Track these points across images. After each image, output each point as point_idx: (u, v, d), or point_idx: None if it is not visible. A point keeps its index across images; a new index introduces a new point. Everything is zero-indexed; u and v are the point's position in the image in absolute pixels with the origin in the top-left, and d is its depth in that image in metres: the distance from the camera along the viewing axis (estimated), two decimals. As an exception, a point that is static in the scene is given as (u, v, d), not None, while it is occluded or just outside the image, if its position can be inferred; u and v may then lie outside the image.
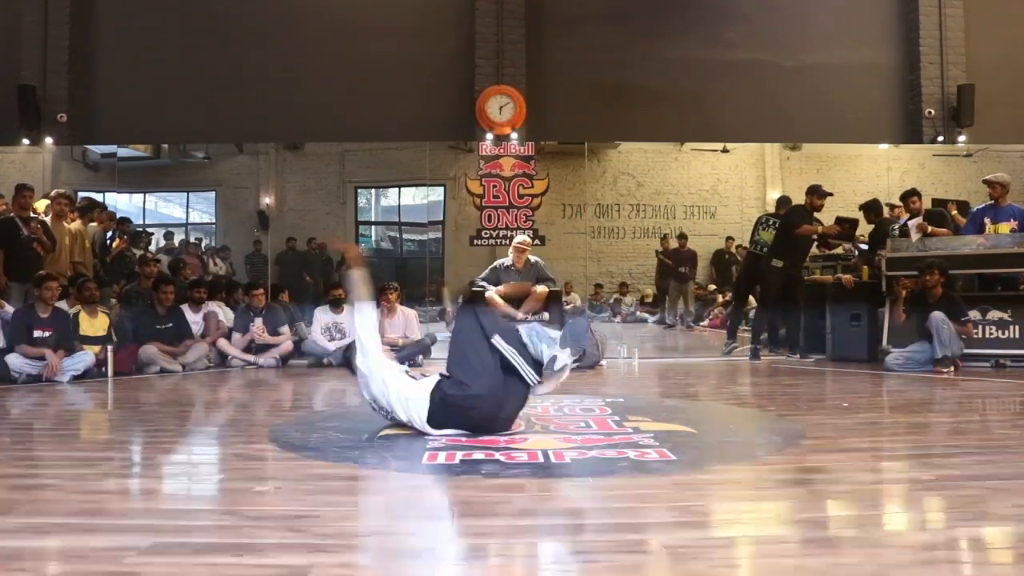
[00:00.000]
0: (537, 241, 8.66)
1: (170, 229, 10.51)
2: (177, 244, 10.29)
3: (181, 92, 9.34)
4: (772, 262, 7.19)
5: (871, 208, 7.59)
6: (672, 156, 10.98)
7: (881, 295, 6.83)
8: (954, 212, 7.76)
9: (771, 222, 7.62)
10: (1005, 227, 6.59)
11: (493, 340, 3.12)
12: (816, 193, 7.23)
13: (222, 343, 7.03)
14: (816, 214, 7.30)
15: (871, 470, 2.73)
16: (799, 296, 7.28)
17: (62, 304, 6.28)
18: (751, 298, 8.06)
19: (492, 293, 6.55)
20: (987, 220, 6.70)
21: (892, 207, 7.85)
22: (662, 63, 9.59)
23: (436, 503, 2.36)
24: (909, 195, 7.23)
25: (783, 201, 8.08)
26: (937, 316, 5.84)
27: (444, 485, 2.53)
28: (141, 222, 9.82)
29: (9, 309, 6.11)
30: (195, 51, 9.42)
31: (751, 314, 8.10)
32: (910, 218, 7.15)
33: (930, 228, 6.87)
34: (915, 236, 6.83)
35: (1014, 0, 9.77)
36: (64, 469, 2.83)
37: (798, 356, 7.13)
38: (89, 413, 4.67)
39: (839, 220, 7.24)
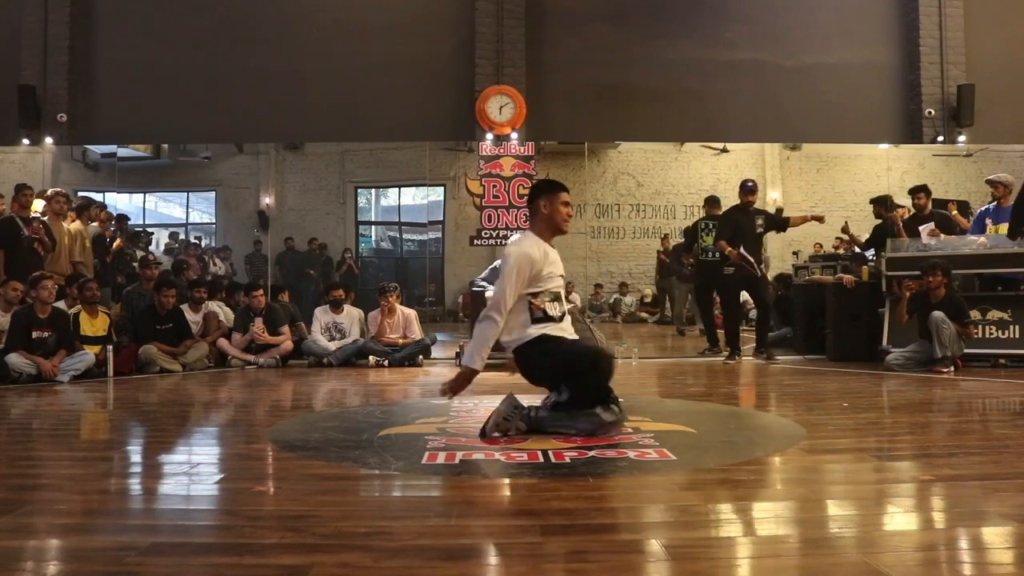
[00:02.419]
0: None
1: (175, 230, 10.54)
2: (177, 244, 10.30)
3: (181, 92, 9.35)
4: (724, 269, 6.95)
5: (882, 203, 7.56)
6: (672, 156, 10.99)
7: (881, 295, 6.83)
8: (954, 212, 7.76)
9: (710, 226, 7.35)
10: (1006, 228, 6.58)
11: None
12: (741, 188, 7.06)
13: (222, 343, 7.03)
14: (816, 216, 7.21)
15: (871, 470, 2.72)
16: (766, 295, 7.13)
17: (60, 304, 6.28)
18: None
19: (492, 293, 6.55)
20: (988, 221, 6.70)
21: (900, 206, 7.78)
22: (662, 63, 9.59)
23: (436, 503, 2.36)
24: (917, 191, 7.16)
25: (712, 201, 7.74)
26: (937, 316, 5.84)
27: (444, 485, 2.53)
28: (141, 222, 9.83)
29: None
30: (195, 51, 9.43)
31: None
32: (909, 217, 7.13)
33: (942, 236, 6.83)
34: (925, 240, 6.80)
35: (1014, 0, 9.77)
36: (64, 469, 2.83)
37: (765, 356, 6.95)
38: (89, 413, 4.67)
39: (741, 255, 6.85)
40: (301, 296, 9.08)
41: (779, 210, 10.81)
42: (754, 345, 7.35)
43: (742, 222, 6.94)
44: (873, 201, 7.66)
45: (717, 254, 7.05)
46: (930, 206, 7.17)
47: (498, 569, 1.78)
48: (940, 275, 6.04)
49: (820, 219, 7.35)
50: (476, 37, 9.35)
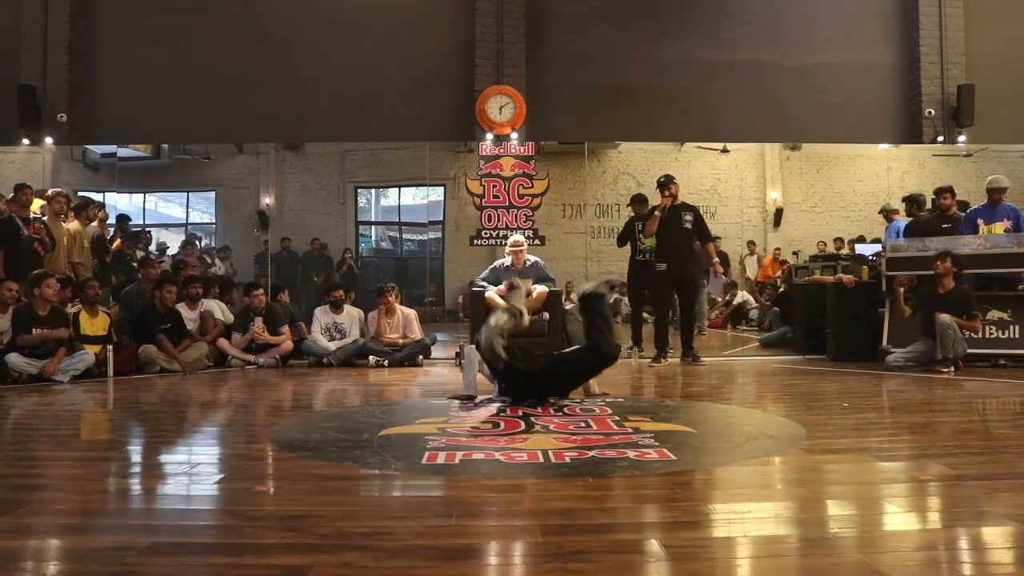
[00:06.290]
0: (537, 241, 8.65)
1: (194, 233, 10.57)
2: (174, 245, 10.31)
3: (181, 92, 9.35)
4: (656, 267, 6.85)
5: (913, 200, 7.53)
6: (672, 156, 10.99)
7: (881, 295, 6.83)
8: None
9: (641, 225, 7.14)
10: (999, 227, 6.60)
11: None
12: (657, 186, 6.93)
13: (222, 343, 7.02)
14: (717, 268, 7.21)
15: (871, 470, 2.73)
16: (693, 298, 7.03)
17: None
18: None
19: (492, 293, 6.54)
20: (980, 221, 6.71)
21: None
22: (662, 63, 9.59)
23: (436, 503, 2.36)
24: (942, 192, 7.05)
25: (640, 199, 7.59)
26: (943, 320, 5.81)
27: (444, 485, 2.53)
28: (141, 222, 9.83)
29: None
30: (195, 51, 9.43)
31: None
32: (934, 217, 7.03)
33: None
34: None
35: (1014, 0, 9.77)
36: (64, 469, 2.83)
37: (691, 359, 6.70)
38: (89, 413, 4.67)
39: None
40: (298, 298, 9.08)
41: (779, 210, 10.83)
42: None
43: (666, 220, 6.77)
44: (906, 199, 7.60)
45: (650, 255, 6.98)
46: (955, 208, 7.08)
47: (498, 569, 1.78)
48: (948, 261, 5.99)
49: (716, 271, 7.39)
50: (476, 37, 9.35)
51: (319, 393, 5.35)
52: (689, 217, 6.84)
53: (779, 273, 9.95)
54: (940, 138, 9.46)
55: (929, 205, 7.30)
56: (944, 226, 6.88)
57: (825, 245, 10.14)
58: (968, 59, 9.50)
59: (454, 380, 5.81)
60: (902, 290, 6.38)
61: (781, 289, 9.06)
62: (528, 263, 6.83)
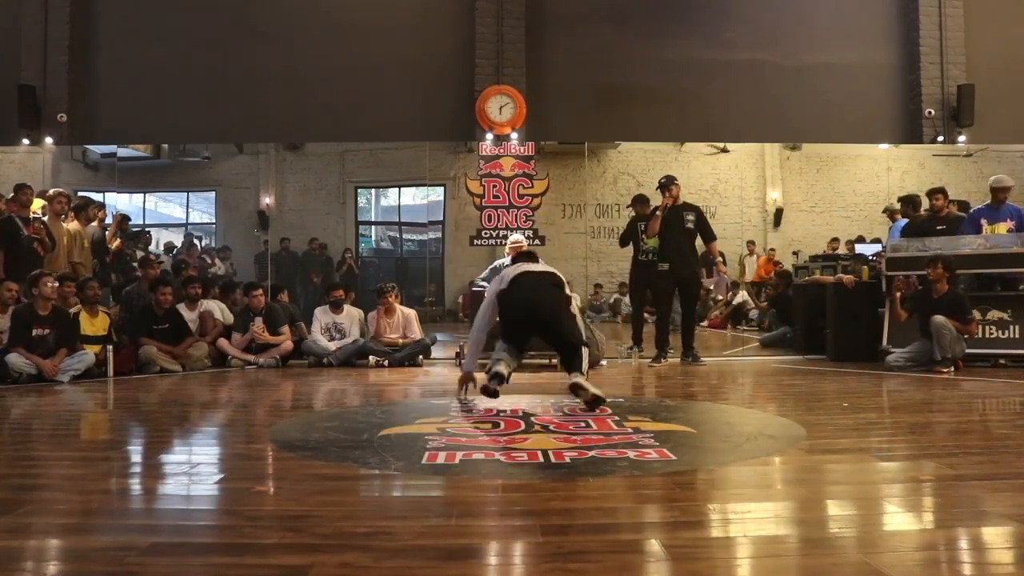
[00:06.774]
0: (537, 241, 8.65)
1: (191, 233, 10.57)
2: (179, 245, 10.31)
3: (181, 92, 9.36)
4: (659, 267, 6.85)
5: (909, 201, 7.53)
6: (672, 156, 11.00)
7: (881, 295, 6.83)
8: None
9: (644, 226, 7.11)
10: (1002, 227, 6.60)
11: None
12: (658, 187, 6.92)
13: (222, 343, 7.02)
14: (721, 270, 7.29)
15: (871, 470, 2.73)
16: (694, 297, 7.04)
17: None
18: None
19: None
20: (984, 221, 6.71)
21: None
22: (662, 63, 9.59)
23: (436, 503, 2.36)
24: (934, 192, 7.06)
25: (640, 199, 7.54)
26: (938, 321, 5.81)
27: (444, 485, 2.53)
28: (141, 222, 9.83)
29: None
30: (195, 51, 9.44)
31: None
32: (927, 218, 7.05)
33: None
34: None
35: (1014, 0, 9.77)
36: (64, 469, 2.83)
37: (691, 359, 6.71)
38: (89, 413, 4.67)
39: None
40: (297, 298, 9.08)
41: (779, 210, 10.84)
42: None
43: (669, 220, 6.78)
44: (902, 199, 7.62)
45: (653, 255, 6.98)
46: (947, 208, 7.08)
47: (498, 569, 1.78)
48: (940, 267, 6.00)
49: (720, 270, 7.45)
50: (476, 37, 9.35)
51: (319, 393, 5.35)
52: (691, 217, 6.85)
53: (771, 274, 9.96)
54: (940, 138, 9.46)
55: (927, 205, 7.31)
56: (939, 227, 6.89)
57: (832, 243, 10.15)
58: (968, 59, 9.50)
59: (454, 380, 5.80)
60: (898, 295, 6.38)
61: (779, 290, 9.07)
62: (528, 263, 6.81)
